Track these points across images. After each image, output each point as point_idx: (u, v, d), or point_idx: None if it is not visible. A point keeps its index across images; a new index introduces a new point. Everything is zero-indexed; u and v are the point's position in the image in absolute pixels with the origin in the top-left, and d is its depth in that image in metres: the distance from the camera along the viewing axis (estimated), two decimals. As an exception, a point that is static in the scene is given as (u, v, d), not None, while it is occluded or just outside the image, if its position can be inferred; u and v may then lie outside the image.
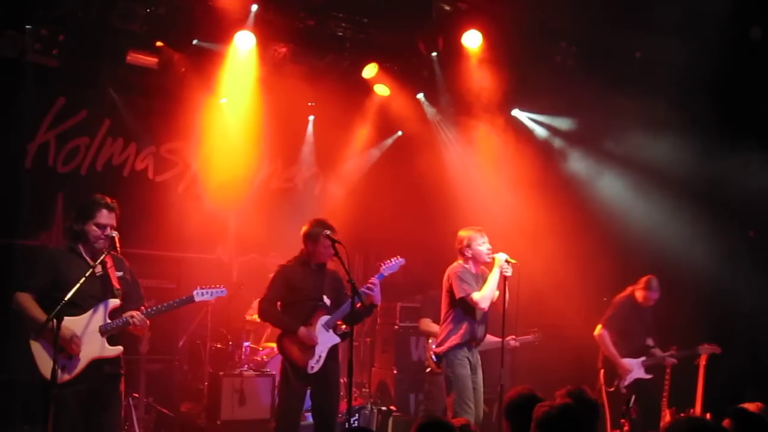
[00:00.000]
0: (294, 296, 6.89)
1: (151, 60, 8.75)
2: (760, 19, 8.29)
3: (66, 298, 5.24)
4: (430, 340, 8.24)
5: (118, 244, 5.59)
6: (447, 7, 8.81)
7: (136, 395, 7.96)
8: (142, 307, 5.76)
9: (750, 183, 9.00)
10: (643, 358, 8.33)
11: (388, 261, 6.99)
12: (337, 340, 6.86)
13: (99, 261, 5.59)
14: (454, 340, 7.04)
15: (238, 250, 10.16)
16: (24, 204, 8.65)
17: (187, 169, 9.85)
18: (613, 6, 8.19)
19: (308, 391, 6.95)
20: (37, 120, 8.80)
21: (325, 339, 6.79)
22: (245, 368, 8.72)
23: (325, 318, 6.82)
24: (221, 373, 8.56)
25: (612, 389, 8.24)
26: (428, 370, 8.36)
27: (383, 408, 8.95)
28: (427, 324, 8.45)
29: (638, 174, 9.38)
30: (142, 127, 9.41)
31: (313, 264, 6.93)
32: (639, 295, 8.37)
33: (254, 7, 8.39)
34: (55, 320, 5.20)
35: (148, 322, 5.70)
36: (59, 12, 7.99)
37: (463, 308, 7.03)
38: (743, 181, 9.04)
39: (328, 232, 6.60)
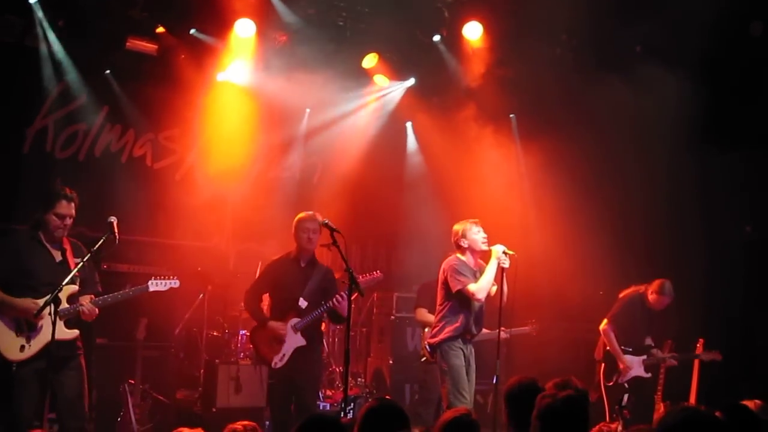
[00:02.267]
0: (277, 292, 7.25)
1: (150, 46, 8.74)
2: (760, 14, 8.29)
3: (64, 283, 5.43)
4: (426, 330, 8.26)
5: (116, 230, 5.75)
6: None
7: (132, 382, 7.97)
8: (92, 296, 5.96)
9: (746, 178, 9.03)
10: (644, 357, 8.31)
11: (367, 275, 7.18)
12: (303, 342, 7.05)
13: (95, 248, 5.80)
14: (448, 332, 7.00)
15: (236, 238, 10.15)
16: (22, 189, 8.65)
17: (185, 156, 9.84)
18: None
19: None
20: (36, 105, 8.78)
21: (292, 339, 7.04)
22: (241, 356, 8.73)
23: (294, 320, 7.05)
24: (217, 360, 8.57)
25: (611, 384, 8.24)
26: (423, 359, 8.39)
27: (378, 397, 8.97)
28: (423, 314, 8.45)
29: (633, 167, 9.37)
30: (140, 113, 9.38)
31: (302, 261, 7.17)
32: (651, 297, 8.25)
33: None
34: (52, 305, 5.44)
35: (96, 310, 5.92)
36: None
37: (459, 301, 7.00)
38: (740, 176, 9.07)
39: (323, 220, 6.57)
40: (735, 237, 9.28)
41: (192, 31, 8.71)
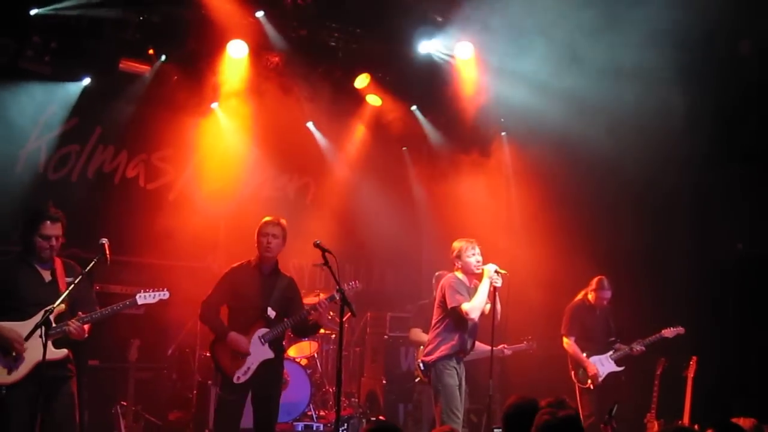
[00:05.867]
0: (238, 302, 6.76)
1: (143, 68, 8.76)
2: (747, 33, 8.36)
3: (55, 305, 5.36)
4: (421, 348, 8.24)
5: (108, 251, 5.64)
6: (439, 18, 8.86)
7: (125, 403, 7.91)
8: (80, 313, 5.77)
9: (738, 194, 9.05)
10: (609, 353, 8.52)
11: (345, 285, 6.53)
12: (271, 355, 6.65)
13: (87, 269, 5.64)
14: (444, 350, 7.03)
15: (229, 259, 10.08)
16: (15, 210, 8.61)
17: (178, 177, 9.84)
18: (611, 17, 8.23)
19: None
20: (29, 127, 8.77)
21: (258, 352, 6.61)
22: (235, 377, 8.68)
23: (262, 331, 6.65)
24: (210, 382, 8.53)
25: (586, 386, 8.36)
26: (417, 380, 8.37)
27: (372, 418, 8.94)
28: (417, 334, 8.45)
29: (625, 184, 9.39)
30: (133, 134, 9.37)
31: (265, 269, 6.81)
32: (592, 296, 8.56)
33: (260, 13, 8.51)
34: (43, 328, 5.28)
35: (84, 328, 5.78)
36: (52, 19, 7.98)
37: (455, 319, 7.02)
38: (731, 192, 9.09)
39: (316, 241, 6.20)
40: (727, 254, 9.29)
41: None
